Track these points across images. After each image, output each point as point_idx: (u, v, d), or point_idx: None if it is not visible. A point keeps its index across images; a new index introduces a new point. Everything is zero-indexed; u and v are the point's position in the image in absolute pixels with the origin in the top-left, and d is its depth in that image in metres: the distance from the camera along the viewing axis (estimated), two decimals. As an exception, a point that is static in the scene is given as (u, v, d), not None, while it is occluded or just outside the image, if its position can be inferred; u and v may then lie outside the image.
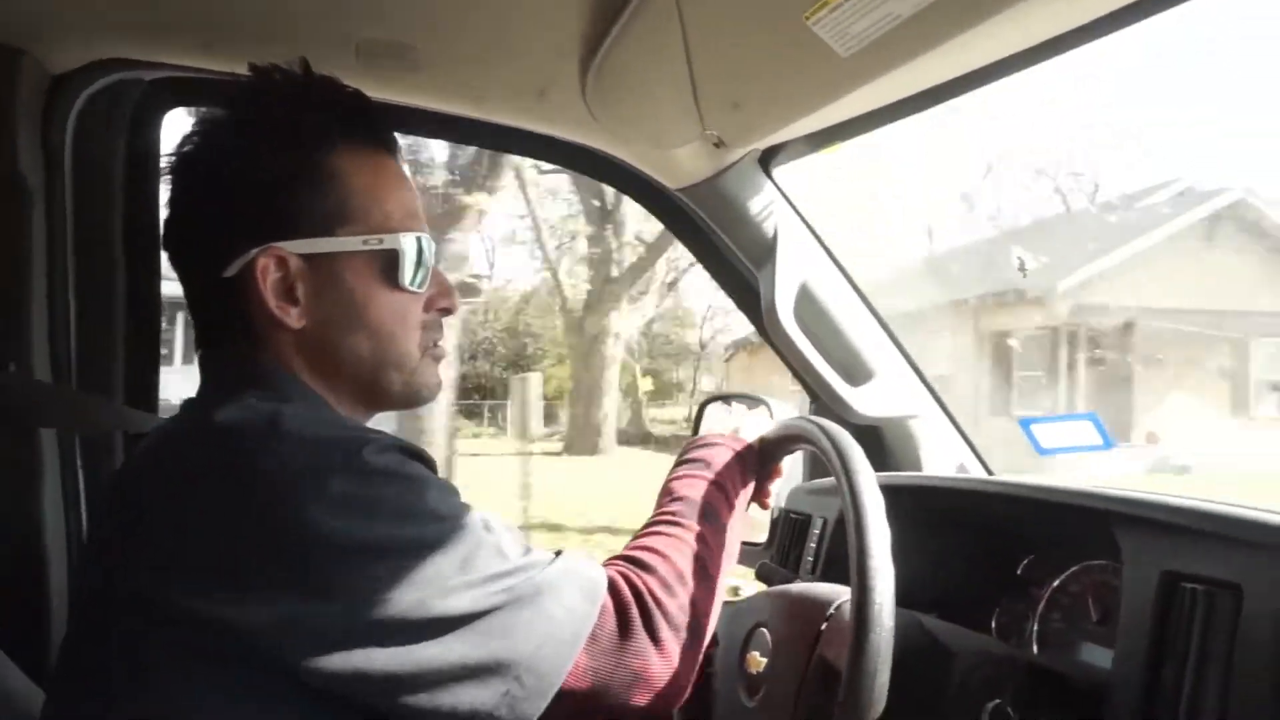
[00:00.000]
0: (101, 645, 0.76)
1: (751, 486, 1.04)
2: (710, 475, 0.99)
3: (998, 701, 0.98)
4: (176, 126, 1.42)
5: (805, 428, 0.98)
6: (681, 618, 0.84)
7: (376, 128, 0.91)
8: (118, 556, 0.78)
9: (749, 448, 1.04)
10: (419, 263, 0.89)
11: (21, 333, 1.28)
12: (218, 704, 0.71)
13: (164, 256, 1.38)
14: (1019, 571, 1.26)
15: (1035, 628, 1.20)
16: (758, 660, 1.08)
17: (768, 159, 1.47)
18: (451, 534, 0.75)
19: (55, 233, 1.32)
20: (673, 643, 0.83)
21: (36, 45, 1.22)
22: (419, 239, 0.89)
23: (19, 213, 1.27)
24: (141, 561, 0.74)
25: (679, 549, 0.89)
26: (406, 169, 0.95)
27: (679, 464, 1.03)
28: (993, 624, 1.27)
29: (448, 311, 0.95)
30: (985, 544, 1.30)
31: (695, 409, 1.66)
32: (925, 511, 1.29)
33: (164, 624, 0.71)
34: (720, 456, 1.02)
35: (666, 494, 0.98)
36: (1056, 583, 1.20)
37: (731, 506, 0.99)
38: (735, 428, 1.07)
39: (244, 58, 1.27)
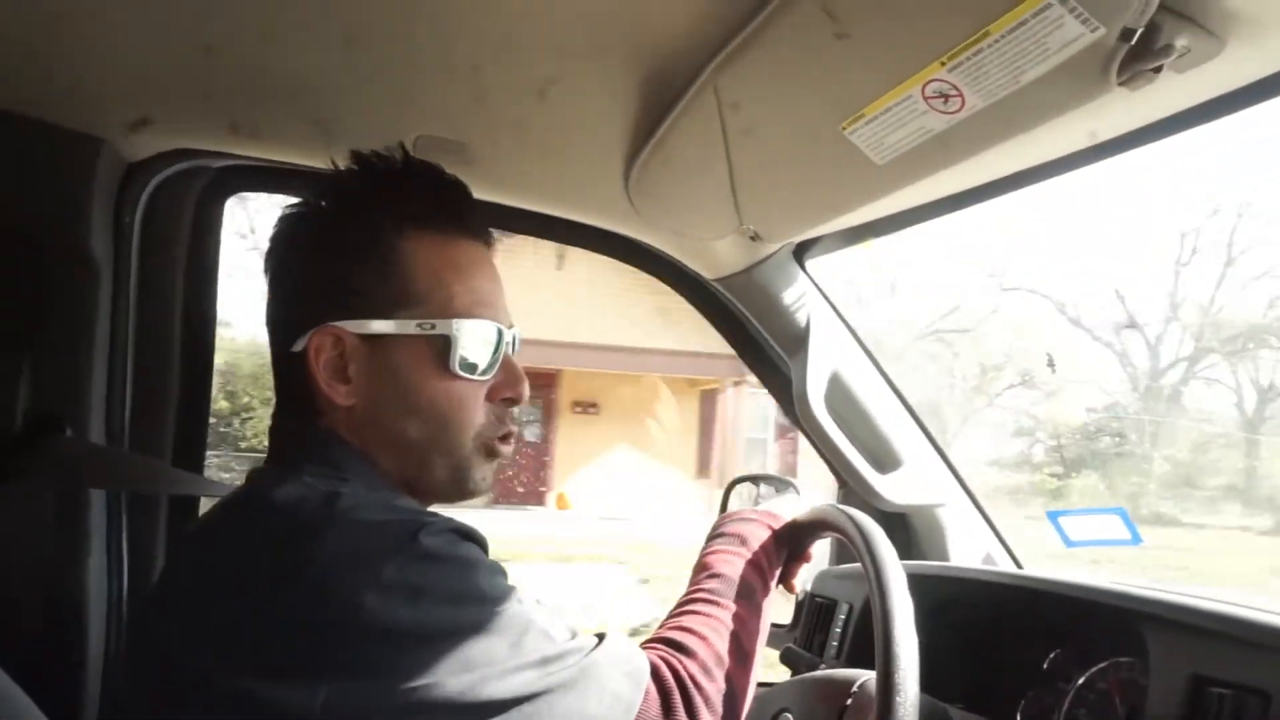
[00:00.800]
0: (146, 714, 0.77)
1: (781, 567, 1.05)
2: (747, 553, 0.99)
3: None
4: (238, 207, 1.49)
5: (833, 514, 1.01)
6: (719, 701, 0.85)
7: (455, 213, 0.92)
8: (168, 625, 0.79)
9: (784, 529, 1.05)
10: (486, 350, 0.89)
11: (80, 398, 1.33)
12: None
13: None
14: (1046, 665, 1.26)
15: (1062, 722, 1.19)
16: None
17: (802, 251, 1.52)
18: (501, 617, 0.76)
19: (119, 305, 1.39)
20: None
21: (115, 136, 1.30)
22: (486, 327, 0.89)
23: (88, 286, 1.33)
24: (191, 633, 0.76)
25: (717, 630, 0.90)
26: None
27: (713, 538, 1.03)
28: (1018, 717, 1.27)
29: (513, 402, 0.94)
30: (1012, 636, 1.30)
31: (724, 489, 1.68)
32: (952, 601, 1.30)
33: (208, 698, 0.72)
34: (756, 534, 1.02)
35: (702, 569, 0.98)
36: (1083, 679, 1.19)
37: (767, 586, 0.99)
38: (770, 506, 1.08)
39: (307, 150, 1.37)
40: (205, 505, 1.60)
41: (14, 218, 1.28)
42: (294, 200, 0.93)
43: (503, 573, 0.81)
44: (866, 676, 1.02)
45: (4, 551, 1.30)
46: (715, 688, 0.85)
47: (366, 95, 1.23)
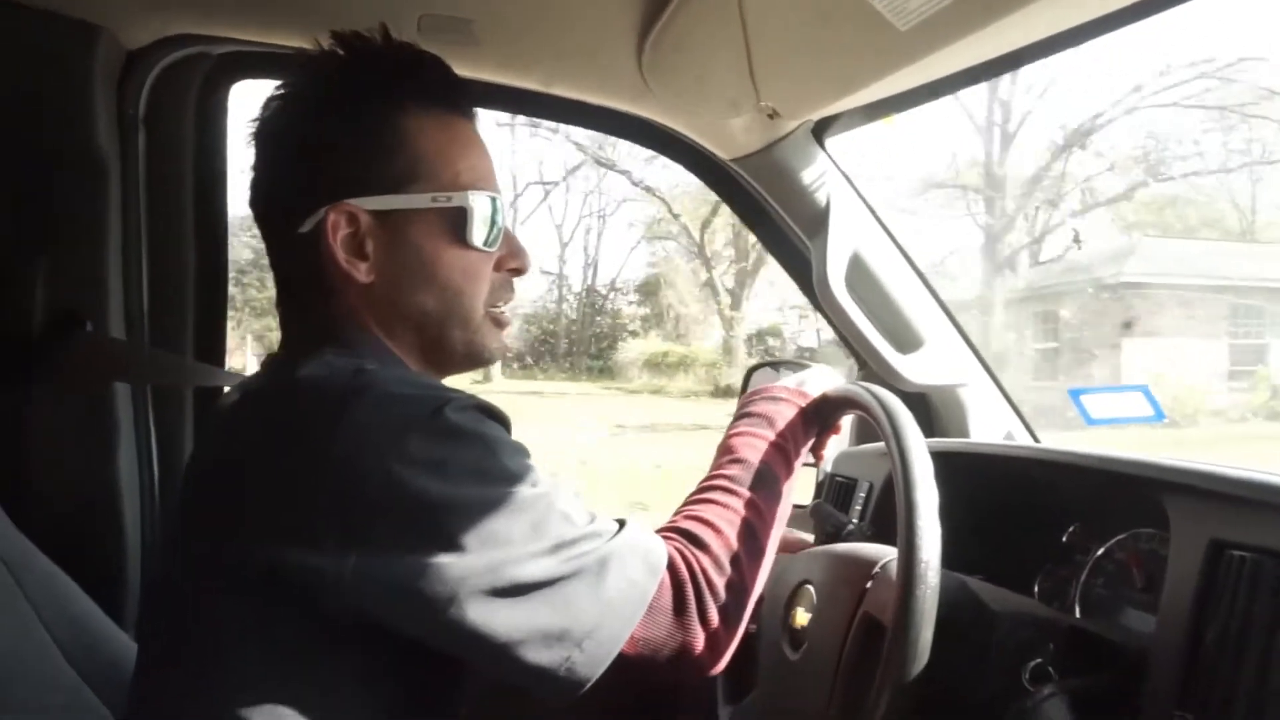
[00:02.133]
0: (183, 599, 0.80)
1: (811, 443, 1.05)
2: (772, 435, 0.99)
3: (1039, 661, 1.00)
4: (243, 97, 1.47)
5: (858, 392, 1.01)
6: (729, 596, 0.86)
7: (449, 91, 0.93)
8: (202, 508, 0.82)
9: (813, 404, 1.04)
10: (490, 222, 0.90)
11: (98, 293, 1.34)
12: (291, 651, 0.75)
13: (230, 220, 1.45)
14: (1064, 538, 1.27)
15: (1078, 593, 1.21)
16: (802, 616, 1.11)
17: (821, 130, 1.48)
18: (524, 497, 0.77)
19: (129, 199, 1.38)
20: (719, 620, 0.85)
21: (114, 22, 1.27)
22: (490, 199, 0.91)
23: (96, 181, 1.33)
24: (225, 512, 0.78)
25: (732, 522, 0.91)
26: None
27: (741, 417, 1.03)
28: (1035, 588, 1.29)
29: (518, 272, 0.97)
30: (1031, 510, 1.31)
31: (744, 374, 1.68)
32: (973, 477, 1.30)
33: (245, 575, 0.74)
34: (784, 414, 1.01)
35: (726, 452, 0.98)
36: (1102, 550, 1.20)
37: (790, 469, 0.99)
38: (801, 380, 1.06)
39: (308, 32, 1.32)
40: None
41: (19, 115, 1.27)
42: (288, 82, 0.91)
43: (525, 452, 0.82)
44: (889, 558, 1.03)
45: (38, 446, 1.33)
46: (725, 582, 0.87)
47: (368, -29, 1.19)
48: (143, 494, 1.42)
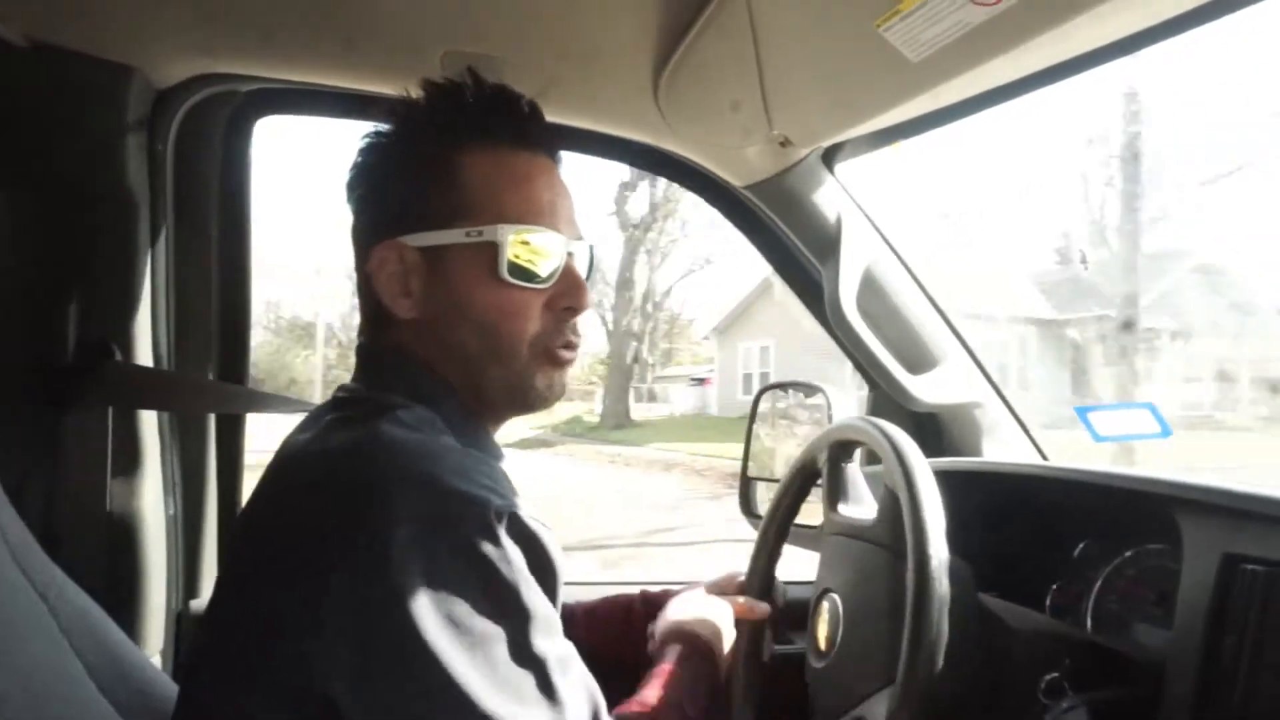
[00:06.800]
0: (218, 633, 0.81)
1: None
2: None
3: (1054, 675, 1.02)
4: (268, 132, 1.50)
5: (859, 425, 1.04)
6: None
7: (510, 127, 0.91)
8: (236, 551, 0.86)
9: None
10: (553, 261, 0.90)
11: (126, 324, 1.37)
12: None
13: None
14: (1075, 554, 1.29)
15: (1091, 608, 1.22)
16: (826, 624, 1.12)
17: (831, 156, 1.51)
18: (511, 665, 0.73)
19: (157, 232, 1.41)
20: None
21: (145, 63, 1.30)
22: (542, 234, 0.89)
23: (126, 215, 1.36)
24: (265, 565, 0.77)
25: None
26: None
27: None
28: (1048, 604, 1.30)
29: (573, 311, 0.93)
30: (1042, 527, 1.33)
31: (754, 397, 1.71)
32: (984, 496, 1.32)
33: (268, 639, 0.74)
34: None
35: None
36: (1112, 566, 1.22)
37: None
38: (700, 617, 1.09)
39: (333, 70, 1.37)
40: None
41: (54, 152, 1.31)
42: (369, 132, 0.94)
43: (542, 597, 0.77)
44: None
45: (67, 476, 1.36)
46: None
47: (392, 11, 1.23)
48: (168, 524, 1.45)
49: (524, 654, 0.72)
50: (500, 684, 0.71)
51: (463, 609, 0.70)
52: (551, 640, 0.75)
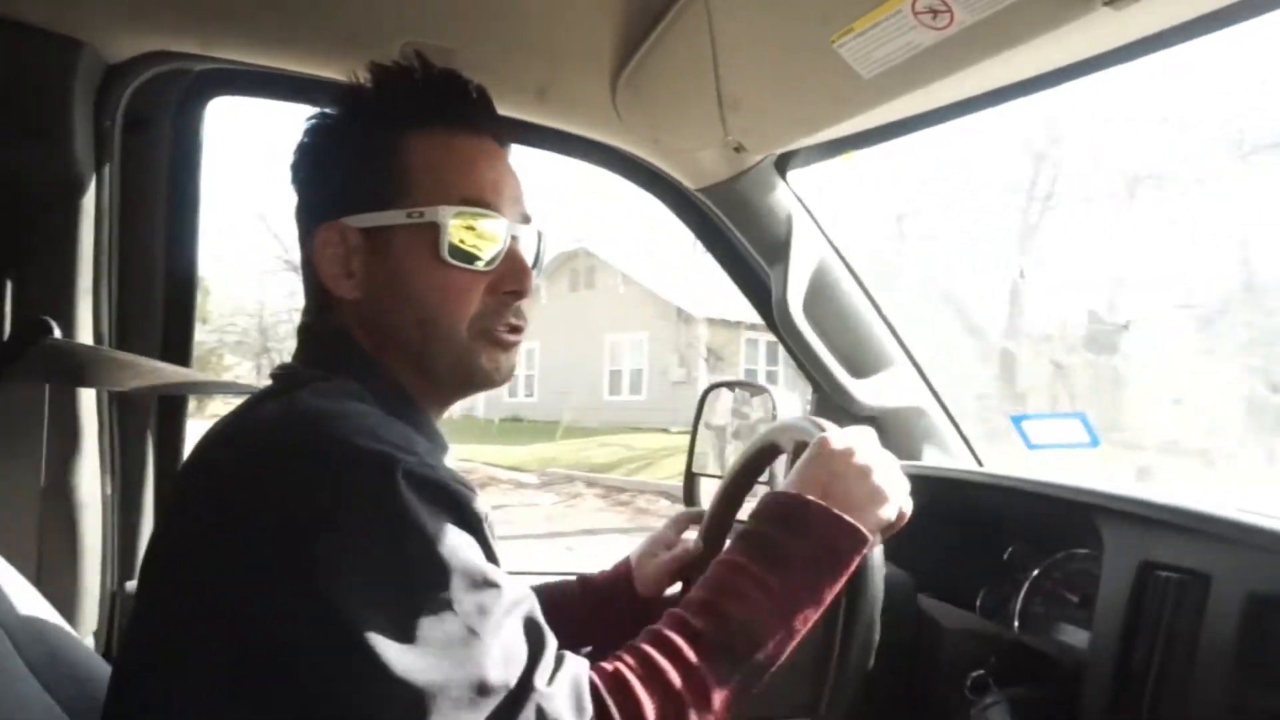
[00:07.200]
0: (154, 611, 0.81)
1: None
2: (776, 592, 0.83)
3: (980, 672, 1.07)
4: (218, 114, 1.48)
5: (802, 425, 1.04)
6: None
7: (455, 109, 0.91)
8: (172, 523, 0.84)
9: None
10: (495, 244, 0.89)
11: (66, 301, 1.35)
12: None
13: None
14: (1005, 557, 1.33)
15: (1018, 609, 1.27)
16: None
17: (784, 163, 1.54)
18: (456, 621, 0.72)
19: (102, 210, 1.38)
20: None
21: (95, 37, 1.28)
22: (485, 217, 0.89)
23: (70, 190, 1.33)
24: (190, 538, 0.78)
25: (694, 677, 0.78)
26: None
27: (744, 538, 0.89)
28: (978, 604, 1.35)
29: (517, 295, 0.91)
30: (975, 530, 1.37)
31: (700, 395, 1.72)
32: (923, 499, 1.36)
33: (199, 610, 0.74)
34: (817, 564, 0.85)
35: (721, 588, 0.84)
36: (1039, 569, 1.27)
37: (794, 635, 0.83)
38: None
39: (290, 54, 1.36)
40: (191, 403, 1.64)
41: None
42: (314, 114, 0.94)
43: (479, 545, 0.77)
44: None
45: (3, 454, 1.33)
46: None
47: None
48: (104, 504, 1.43)
49: (443, 608, 0.71)
50: (419, 643, 0.70)
51: (374, 569, 0.71)
52: (479, 592, 0.73)
